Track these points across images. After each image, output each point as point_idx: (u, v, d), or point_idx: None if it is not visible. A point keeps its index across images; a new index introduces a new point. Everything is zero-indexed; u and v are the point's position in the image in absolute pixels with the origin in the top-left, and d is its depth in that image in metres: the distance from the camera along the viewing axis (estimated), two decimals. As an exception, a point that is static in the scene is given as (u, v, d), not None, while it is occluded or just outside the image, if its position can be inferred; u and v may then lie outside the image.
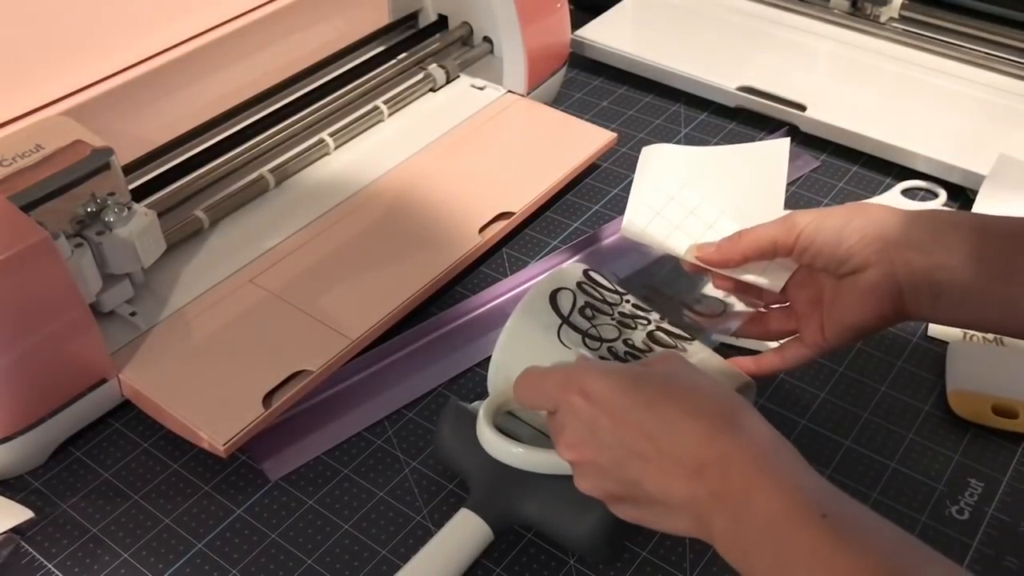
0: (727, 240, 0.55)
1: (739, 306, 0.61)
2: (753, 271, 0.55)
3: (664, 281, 0.66)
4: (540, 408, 0.47)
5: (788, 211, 0.54)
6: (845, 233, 0.50)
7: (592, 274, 0.56)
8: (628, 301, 0.55)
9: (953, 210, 0.67)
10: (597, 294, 0.55)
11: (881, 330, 0.52)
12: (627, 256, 0.70)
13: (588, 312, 0.53)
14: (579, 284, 0.54)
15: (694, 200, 0.59)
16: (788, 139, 0.63)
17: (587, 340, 0.52)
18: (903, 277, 0.49)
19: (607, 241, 0.73)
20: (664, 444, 0.41)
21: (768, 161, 0.62)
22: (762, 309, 0.59)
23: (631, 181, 0.63)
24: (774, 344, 0.58)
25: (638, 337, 0.53)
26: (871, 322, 0.51)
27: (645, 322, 0.54)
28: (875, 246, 0.49)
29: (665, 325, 0.55)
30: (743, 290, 0.57)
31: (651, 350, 0.53)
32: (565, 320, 0.52)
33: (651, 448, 0.41)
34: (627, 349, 0.53)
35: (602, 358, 0.52)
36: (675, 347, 0.54)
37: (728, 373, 0.54)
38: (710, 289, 0.60)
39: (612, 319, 0.54)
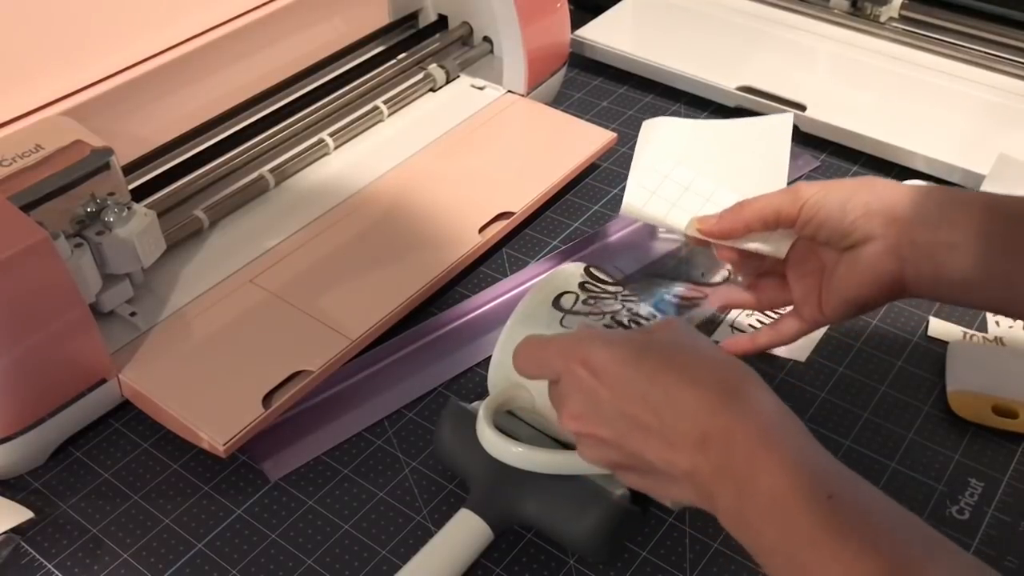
0: (729, 211, 0.54)
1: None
2: (756, 239, 0.55)
3: (667, 275, 0.66)
4: (541, 377, 0.47)
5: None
6: (850, 206, 0.49)
7: (593, 270, 0.56)
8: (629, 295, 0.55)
9: (960, 188, 0.66)
10: (598, 289, 0.55)
11: (880, 305, 0.51)
12: (631, 252, 0.70)
13: (590, 302, 0.53)
14: (581, 284, 0.55)
15: (688, 177, 0.59)
16: (791, 113, 0.62)
17: (590, 318, 0.52)
18: (906, 252, 0.48)
19: (611, 239, 0.73)
20: (667, 415, 0.40)
21: (771, 135, 0.61)
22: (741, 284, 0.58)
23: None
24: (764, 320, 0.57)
25: (644, 310, 0.53)
26: (871, 296, 0.50)
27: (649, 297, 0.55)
28: (879, 219, 0.49)
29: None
30: (747, 259, 0.56)
31: (655, 317, 0.53)
32: (567, 313, 0.52)
33: (654, 420, 0.40)
34: (631, 316, 0.52)
35: (606, 326, 0.51)
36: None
37: None
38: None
39: (616, 300, 0.54)
